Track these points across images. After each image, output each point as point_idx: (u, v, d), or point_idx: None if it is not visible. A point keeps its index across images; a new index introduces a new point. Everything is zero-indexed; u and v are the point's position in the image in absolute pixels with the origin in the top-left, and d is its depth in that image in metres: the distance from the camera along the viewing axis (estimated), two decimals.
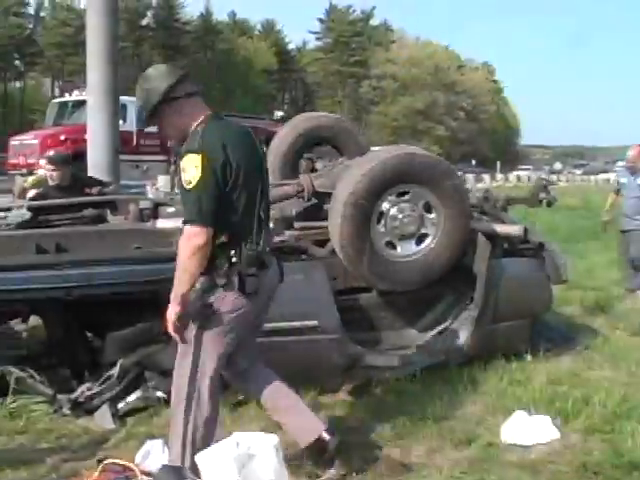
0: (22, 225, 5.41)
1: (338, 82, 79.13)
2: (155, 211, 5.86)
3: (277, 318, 4.84)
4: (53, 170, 6.84)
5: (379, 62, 78.11)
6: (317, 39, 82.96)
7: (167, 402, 4.64)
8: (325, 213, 6.04)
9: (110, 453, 4.13)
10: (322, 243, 5.73)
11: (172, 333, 3.50)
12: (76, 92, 22.13)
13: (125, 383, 5.01)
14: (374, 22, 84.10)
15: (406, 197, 5.24)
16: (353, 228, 5.05)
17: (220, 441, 3.40)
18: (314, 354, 4.97)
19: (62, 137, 19.04)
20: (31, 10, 64.43)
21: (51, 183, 6.84)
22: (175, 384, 3.67)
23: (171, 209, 5.98)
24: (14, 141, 21.04)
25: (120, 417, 4.83)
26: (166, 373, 5.05)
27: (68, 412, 4.81)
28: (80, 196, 6.60)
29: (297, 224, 5.60)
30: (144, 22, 67.22)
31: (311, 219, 6.00)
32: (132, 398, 4.95)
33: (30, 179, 12.09)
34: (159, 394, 4.97)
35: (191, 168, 3.33)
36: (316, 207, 6.11)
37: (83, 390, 4.92)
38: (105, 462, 3.39)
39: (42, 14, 65.04)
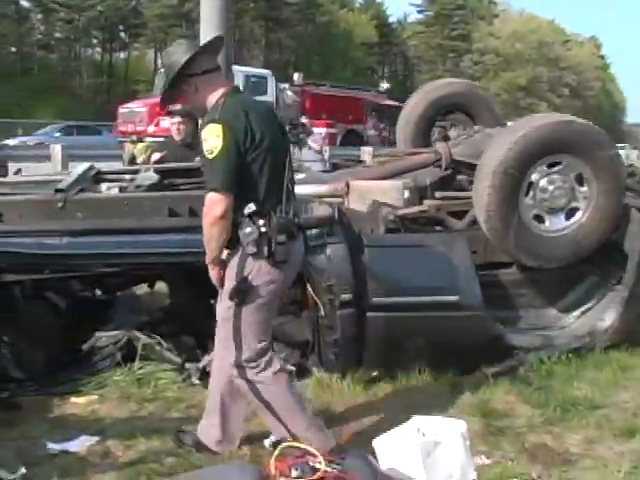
0: (152, 188, 5.28)
1: (439, 56, 77.58)
2: None
3: (415, 292, 4.62)
4: (180, 123, 6.69)
5: (481, 36, 76.27)
6: (418, 12, 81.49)
7: (298, 375, 4.51)
8: (460, 184, 5.75)
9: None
10: (458, 215, 5.45)
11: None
12: None
13: None
14: None
15: (557, 168, 4.92)
16: (501, 198, 4.75)
17: None
18: (454, 331, 4.71)
19: None
20: None
21: (177, 138, 6.70)
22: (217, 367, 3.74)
23: (300, 175, 5.79)
24: (123, 109, 21.29)
25: None
26: (296, 345, 4.91)
27: (197, 381, 4.67)
28: None
29: (438, 194, 5.31)
30: None
31: (445, 189, 5.72)
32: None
33: (140, 145, 12.14)
34: (289, 367, 4.76)
35: (212, 138, 3.33)
36: (451, 177, 5.81)
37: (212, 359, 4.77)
38: (282, 445, 3.13)
39: None
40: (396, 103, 23.61)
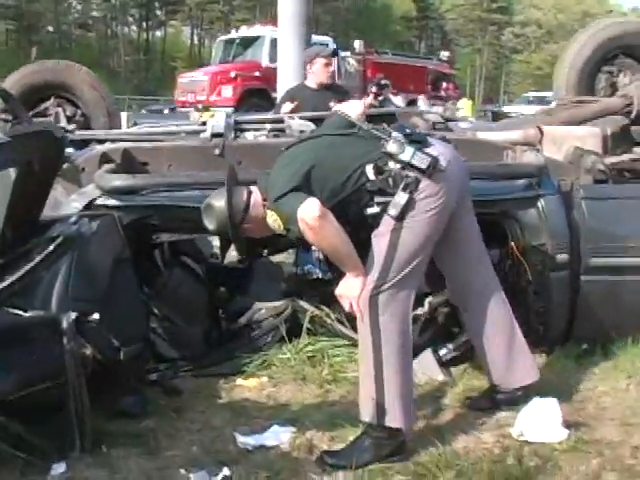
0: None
1: (478, 29, 76.04)
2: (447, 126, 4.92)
3: (630, 253, 3.88)
4: (326, 65, 6.02)
5: (523, 8, 74.71)
6: None
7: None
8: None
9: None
10: None
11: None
12: (244, 28, 21.57)
13: (438, 325, 4.13)
14: None
15: None
16: None
17: None
18: None
19: (232, 74, 18.46)
20: None
21: (325, 79, 6.02)
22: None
23: (464, 124, 5.04)
24: (183, 79, 20.67)
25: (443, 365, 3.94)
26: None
27: None
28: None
29: None
30: None
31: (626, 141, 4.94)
32: (454, 344, 4.02)
33: (206, 114, 11.46)
34: None
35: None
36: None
37: None
38: None
39: None
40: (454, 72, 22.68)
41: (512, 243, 3.89)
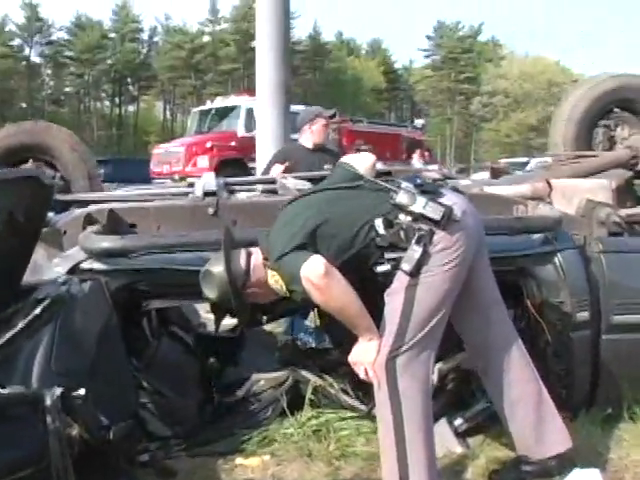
0: None
1: (447, 99, 77.43)
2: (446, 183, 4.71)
3: None
4: (325, 126, 5.81)
5: (489, 78, 76.07)
6: (425, 57, 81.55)
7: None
8: None
9: None
10: None
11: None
12: (219, 98, 21.55)
13: (449, 393, 3.84)
14: (482, 38, 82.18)
15: None
16: None
17: None
18: None
19: (208, 144, 18.32)
20: (145, 36, 65.37)
21: (323, 140, 5.80)
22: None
23: (464, 181, 4.84)
24: (158, 150, 20.48)
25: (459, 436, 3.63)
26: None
27: None
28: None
29: None
30: (254, 44, 67.28)
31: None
32: (470, 413, 3.72)
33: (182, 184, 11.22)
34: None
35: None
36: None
37: None
38: None
39: (155, 39, 65.96)
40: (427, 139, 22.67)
41: (528, 301, 3.63)
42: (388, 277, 2.72)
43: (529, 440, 3.03)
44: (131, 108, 66.53)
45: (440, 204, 2.69)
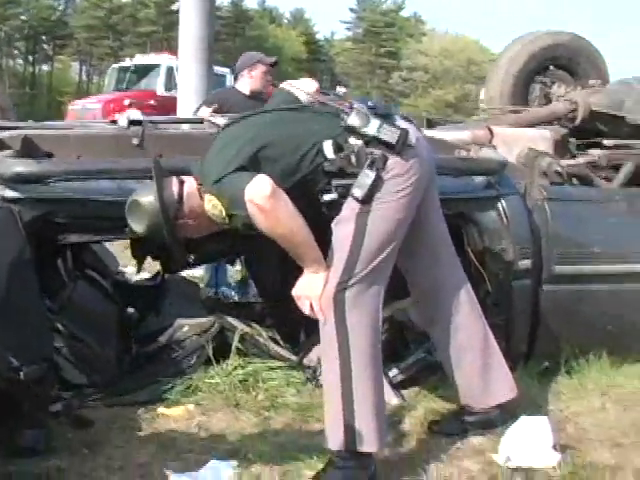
0: None
1: (367, 72, 77.51)
2: None
3: (603, 259, 3.56)
4: (265, 73, 5.46)
5: (410, 54, 76.44)
6: (347, 29, 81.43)
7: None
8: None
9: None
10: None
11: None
12: (139, 56, 20.93)
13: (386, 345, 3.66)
14: (405, 14, 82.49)
15: None
16: None
17: None
18: (635, 307, 3.68)
19: (126, 102, 17.71)
20: None
21: (262, 87, 5.47)
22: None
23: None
24: (74, 105, 19.74)
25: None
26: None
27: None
28: None
29: (608, 141, 4.26)
30: (174, 7, 65.77)
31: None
32: (405, 364, 3.56)
33: None
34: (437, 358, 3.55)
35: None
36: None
37: None
38: None
39: None
40: None
41: (469, 249, 3.48)
42: (334, 207, 2.51)
43: (474, 388, 2.89)
44: (45, 67, 64.25)
45: (396, 127, 2.49)
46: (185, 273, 4.75)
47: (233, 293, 5.35)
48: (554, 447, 2.65)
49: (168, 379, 3.38)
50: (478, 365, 2.86)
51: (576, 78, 5.65)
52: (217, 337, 3.59)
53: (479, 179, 3.44)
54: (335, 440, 2.48)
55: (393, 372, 3.50)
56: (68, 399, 3.17)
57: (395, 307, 3.63)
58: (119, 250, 4.90)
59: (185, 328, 3.60)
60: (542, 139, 4.17)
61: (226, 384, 3.38)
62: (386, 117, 2.53)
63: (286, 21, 79.89)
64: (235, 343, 3.55)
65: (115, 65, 22.45)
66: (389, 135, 2.46)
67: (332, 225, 2.51)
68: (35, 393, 2.75)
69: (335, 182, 2.49)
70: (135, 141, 3.41)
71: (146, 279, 4.62)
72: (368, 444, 2.47)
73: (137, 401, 3.27)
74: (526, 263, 3.45)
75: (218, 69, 21.87)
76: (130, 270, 5.07)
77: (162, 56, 19.54)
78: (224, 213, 2.51)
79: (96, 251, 4.25)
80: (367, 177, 2.43)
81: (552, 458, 2.61)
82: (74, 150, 3.34)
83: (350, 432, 2.44)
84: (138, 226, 2.71)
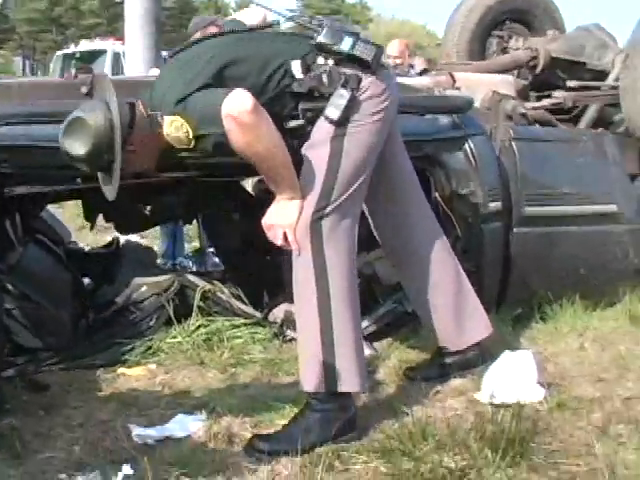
0: None
1: None
2: None
3: (571, 200, 3.46)
4: None
5: None
6: None
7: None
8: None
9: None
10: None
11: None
12: (84, 42, 20.45)
13: None
14: (351, 0, 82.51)
15: None
16: None
17: None
18: (604, 249, 3.60)
19: None
20: None
21: None
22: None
23: None
24: None
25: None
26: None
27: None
28: None
29: (572, 83, 4.19)
30: None
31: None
32: (375, 315, 3.44)
33: None
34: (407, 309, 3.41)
35: None
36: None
37: None
38: None
39: None
40: None
41: (437, 193, 3.35)
42: (299, 134, 2.35)
43: (450, 330, 2.77)
44: None
45: (370, 43, 2.33)
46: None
47: (191, 263, 5.18)
48: (539, 382, 2.55)
49: (128, 341, 3.22)
50: (452, 306, 2.74)
51: (533, 31, 5.57)
52: (177, 296, 3.41)
53: (445, 119, 3.31)
54: (312, 381, 2.32)
55: (364, 323, 3.36)
56: (21, 364, 3.00)
57: (361, 261, 3.49)
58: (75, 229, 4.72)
59: (143, 288, 3.43)
60: (505, 84, 4.09)
61: (189, 344, 3.23)
62: (357, 35, 2.37)
63: (232, 11, 79.31)
64: (197, 302, 3.39)
65: (59, 52, 21.84)
66: (365, 52, 2.29)
67: (302, 150, 2.34)
68: None
69: (302, 105, 2.32)
70: (84, 89, 3.20)
71: (100, 247, 4.43)
72: (349, 384, 2.32)
73: (95, 364, 3.09)
74: (496, 205, 3.33)
75: (166, 54, 21.55)
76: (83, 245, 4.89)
77: (108, 42, 19.07)
78: (191, 134, 2.30)
79: (47, 220, 4.05)
80: (341, 97, 2.26)
81: (538, 393, 2.50)
82: (18, 100, 3.14)
83: (330, 371, 2.29)
84: (79, 148, 2.34)
